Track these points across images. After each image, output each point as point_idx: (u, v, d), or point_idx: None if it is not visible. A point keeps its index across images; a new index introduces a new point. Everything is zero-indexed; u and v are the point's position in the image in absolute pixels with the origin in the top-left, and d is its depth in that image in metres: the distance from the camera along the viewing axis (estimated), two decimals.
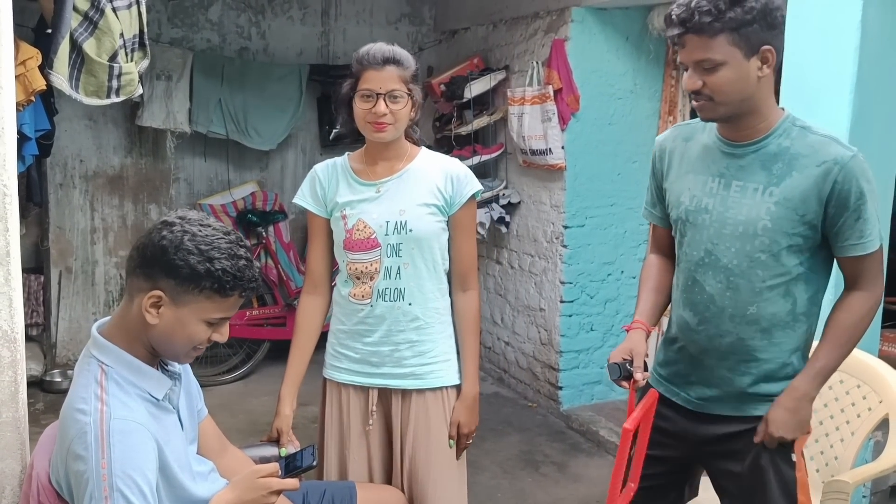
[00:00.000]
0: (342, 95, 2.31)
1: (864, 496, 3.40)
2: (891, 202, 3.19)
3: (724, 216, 1.99)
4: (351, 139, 2.42)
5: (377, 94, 2.22)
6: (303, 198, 2.44)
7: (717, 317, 2.03)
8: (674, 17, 1.85)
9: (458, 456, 2.44)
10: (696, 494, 2.35)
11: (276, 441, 2.36)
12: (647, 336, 2.14)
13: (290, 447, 2.32)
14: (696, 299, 2.07)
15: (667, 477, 2.23)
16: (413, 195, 2.32)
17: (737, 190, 1.97)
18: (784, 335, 2.00)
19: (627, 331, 2.16)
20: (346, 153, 2.45)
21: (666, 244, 2.24)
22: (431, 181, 2.34)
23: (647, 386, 2.16)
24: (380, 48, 2.26)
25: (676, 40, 1.89)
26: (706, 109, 1.92)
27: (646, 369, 2.05)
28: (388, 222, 2.30)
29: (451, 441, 2.41)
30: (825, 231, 1.93)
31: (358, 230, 2.32)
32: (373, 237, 2.31)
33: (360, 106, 2.25)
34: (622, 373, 2.03)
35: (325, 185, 2.39)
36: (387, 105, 2.22)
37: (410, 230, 2.30)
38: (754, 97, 1.90)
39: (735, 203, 1.97)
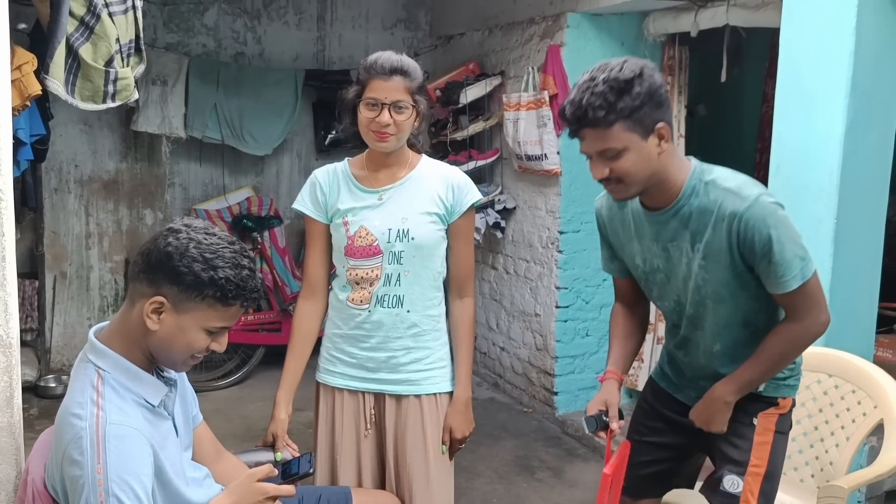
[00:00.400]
0: (347, 101, 2.31)
1: (859, 501, 3.40)
2: (885, 207, 3.20)
3: (673, 273, 2.14)
4: (352, 144, 2.42)
5: (382, 104, 2.22)
6: (302, 203, 2.43)
7: (694, 352, 2.24)
8: (568, 115, 1.94)
9: (450, 458, 2.45)
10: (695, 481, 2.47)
11: (272, 446, 2.36)
12: (620, 384, 2.28)
13: (286, 452, 2.32)
14: (677, 337, 2.27)
15: (671, 462, 2.38)
16: (415, 203, 2.33)
17: (674, 250, 2.10)
18: (751, 352, 2.13)
19: (601, 381, 2.29)
20: (346, 159, 2.45)
21: (629, 293, 2.38)
22: (433, 189, 2.35)
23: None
24: (388, 57, 2.25)
25: (575, 134, 1.98)
26: (618, 192, 2.03)
27: (621, 417, 2.20)
28: (390, 230, 2.31)
29: (444, 447, 2.41)
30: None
31: (360, 237, 2.32)
32: (375, 244, 2.31)
33: (364, 114, 2.25)
34: (598, 424, 2.19)
35: (326, 190, 2.39)
36: (391, 115, 2.22)
37: (413, 238, 2.30)
38: (659, 171, 2.00)
39: (676, 261, 2.11)
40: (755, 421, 2.19)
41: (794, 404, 2.25)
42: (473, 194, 2.38)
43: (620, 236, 2.24)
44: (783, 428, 2.21)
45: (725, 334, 2.15)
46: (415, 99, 2.26)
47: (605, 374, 2.30)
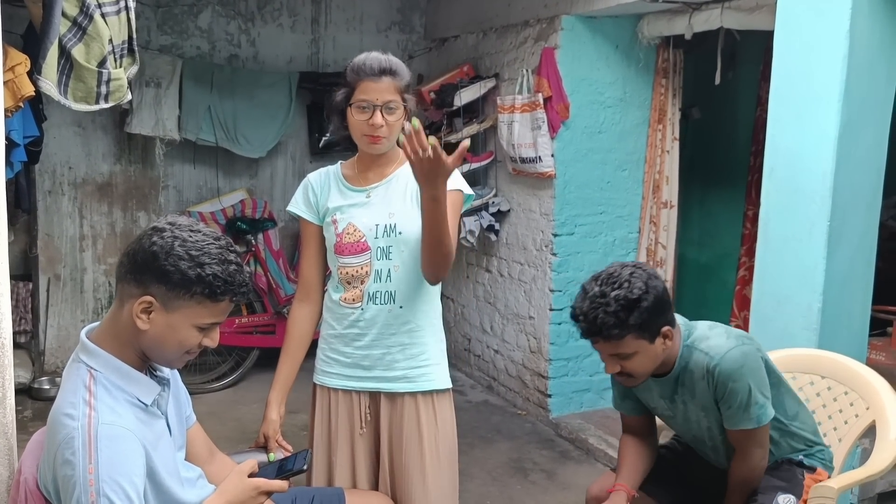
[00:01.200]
0: (335, 104, 2.31)
1: (851, 502, 3.41)
2: (878, 210, 3.21)
3: (686, 419, 2.40)
4: (343, 147, 2.42)
5: (374, 106, 2.22)
6: (296, 205, 2.45)
7: (714, 462, 2.49)
8: (582, 327, 2.17)
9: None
10: None
11: (264, 447, 2.36)
12: (629, 499, 2.37)
13: (279, 452, 2.31)
14: (699, 452, 2.53)
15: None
16: (402, 198, 2.33)
17: (681, 403, 2.36)
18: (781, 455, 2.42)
19: (610, 492, 2.38)
20: (339, 161, 2.46)
21: (638, 428, 2.52)
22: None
23: None
24: (376, 58, 2.25)
25: (587, 338, 2.21)
26: (628, 383, 2.30)
27: None
28: (377, 225, 2.31)
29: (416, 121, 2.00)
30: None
31: (348, 234, 2.33)
32: (363, 241, 2.32)
33: (356, 117, 2.25)
34: None
35: (318, 192, 2.41)
36: (383, 116, 2.23)
37: (400, 232, 2.31)
38: (663, 360, 2.26)
39: (682, 412, 2.38)
40: (803, 473, 2.39)
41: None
42: (456, 181, 2.31)
43: (642, 396, 2.46)
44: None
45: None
46: (404, 98, 2.27)
47: (614, 486, 2.38)
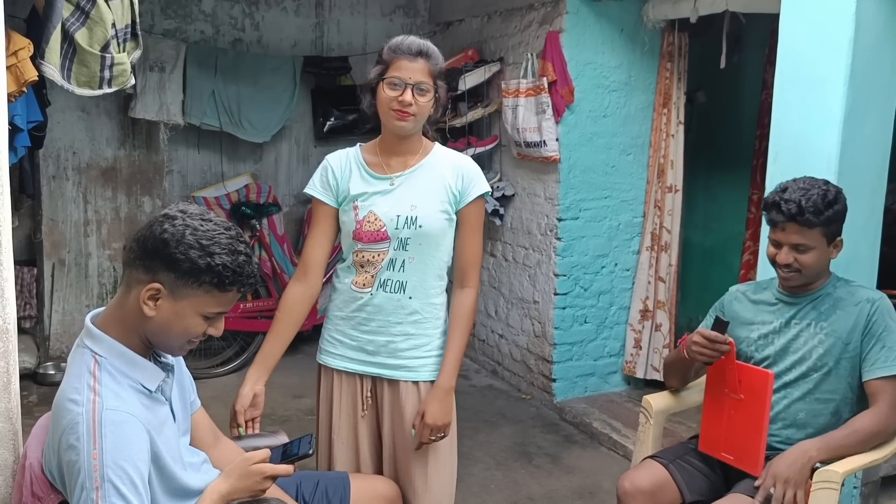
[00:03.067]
0: (369, 80, 2.34)
1: (854, 486, 3.41)
2: (883, 194, 3.20)
3: (787, 347, 2.49)
4: (370, 124, 2.43)
5: (406, 84, 2.24)
6: (313, 187, 2.43)
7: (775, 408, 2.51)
8: (783, 209, 2.35)
9: (416, 447, 2.35)
10: None
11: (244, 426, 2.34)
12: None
13: (271, 437, 2.27)
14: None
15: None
16: (425, 191, 2.34)
17: (795, 327, 2.49)
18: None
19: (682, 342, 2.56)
20: (359, 144, 2.46)
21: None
22: (443, 177, 2.36)
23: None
24: (414, 40, 2.29)
25: (776, 225, 2.40)
26: (792, 279, 2.44)
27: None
28: (398, 216, 2.32)
29: (413, 430, 2.35)
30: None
31: (369, 222, 2.33)
32: (383, 230, 2.32)
33: (387, 93, 2.26)
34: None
35: (339, 175, 2.40)
36: (414, 96, 2.24)
37: (420, 226, 2.31)
38: (824, 270, 2.46)
39: (795, 337, 2.48)
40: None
41: None
42: (482, 185, 2.39)
43: (741, 312, 2.60)
44: None
45: (814, 408, 2.43)
46: (436, 83, 2.30)
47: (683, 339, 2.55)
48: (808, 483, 2.29)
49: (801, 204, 2.33)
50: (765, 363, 2.50)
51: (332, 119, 5.80)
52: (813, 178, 2.44)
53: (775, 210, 2.38)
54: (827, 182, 2.42)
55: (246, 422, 2.35)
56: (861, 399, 2.42)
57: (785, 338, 2.49)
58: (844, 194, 2.42)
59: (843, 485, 2.32)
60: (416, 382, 2.39)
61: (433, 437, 2.33)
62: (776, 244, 2.43)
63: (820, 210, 2.33)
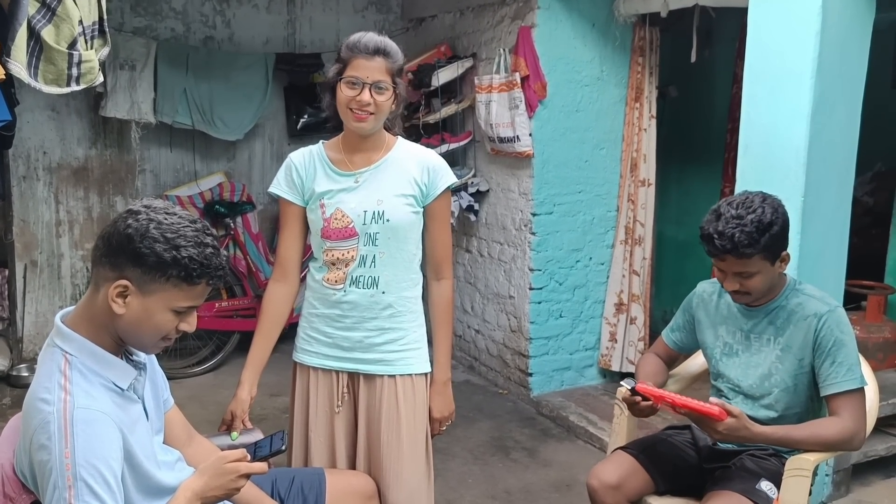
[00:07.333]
0: (328, 79, 2.32)
1: (826, 474, 3.46)
2: (851, 185, 3.24)
3: (749, 361, 2.51)
4: (332, 124, 2.41)
5: (363, 83, 2.23)
6: (278, 186, 2.43)
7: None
8: (717, 244, 2.30)
9: (433, 435, 2.49)
10: None
11: (230, 426, 2.35)
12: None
13: (245, 435, 2.28)
14: (729, 402, 2.52)
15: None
16: (390, 185, 2.33)
17: (756, 341, 2.50)
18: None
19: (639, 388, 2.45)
20: (321, 141, 2.45)
21: (665, 357, 2.78)
22: (408, 172, 2.36)
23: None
24: (371, 38, 2.27)
25: (715, 257, 2.36)
26: (742, 300, 2.45)
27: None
28: (365, 212, 2.31)
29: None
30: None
31: (336, 219, 2.33)
32: (350, 226, 2.32)
33: (345, 92, 2.25)
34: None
35: (303, 173, 2.39)
36: (371, 95, 2.23)
37: (388, 220, 2.31)
38: (774, 284, 2.43)
39: (757, 349, 2.49)
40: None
41: None
42: (448, 177, 2.40)
43: (705, 318, 2.63)
44: None
45: (779, 417, 2.44)
46: (395, 81, 2.28)
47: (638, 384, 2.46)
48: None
49: (735, 238, 2.26)
50: (733, 380, 2.53)
51: (306, 116, 5.78)
52: (749, 195, 2.35)
53: (709, 244, 2.33)
54: (764, 198, 2.33)
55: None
56: (825, 407, 2.42)
57: (748, 352, 2.50)
58: (784, 207, 2.35)
59: (815, 473, 2.35)
60: (392, 376, 2.39)
61: (443, 428, 2.52)
62: (721, 271, 2.41)
63: (755, 240, 2.26)
